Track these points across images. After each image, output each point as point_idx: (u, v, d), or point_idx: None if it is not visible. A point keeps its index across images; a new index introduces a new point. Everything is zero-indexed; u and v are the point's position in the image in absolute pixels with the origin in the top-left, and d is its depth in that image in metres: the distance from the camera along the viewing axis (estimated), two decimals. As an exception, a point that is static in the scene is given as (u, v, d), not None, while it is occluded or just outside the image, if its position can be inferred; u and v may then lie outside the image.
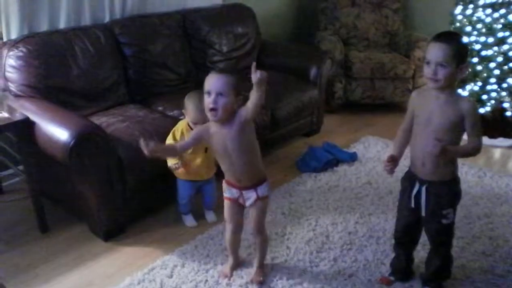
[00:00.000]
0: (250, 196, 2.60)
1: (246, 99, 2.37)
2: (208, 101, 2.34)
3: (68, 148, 2.81)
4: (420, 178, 2.53)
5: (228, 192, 2.65)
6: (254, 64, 2.27)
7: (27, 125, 3.03)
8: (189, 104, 3.05)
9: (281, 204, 3.60)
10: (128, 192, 3.19)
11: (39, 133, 3.00)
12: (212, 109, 2.34)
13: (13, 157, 3.33)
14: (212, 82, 2.35)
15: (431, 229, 2.63)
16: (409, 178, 2.61)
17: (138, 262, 3.02)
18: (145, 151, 2.37)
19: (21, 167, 3.27)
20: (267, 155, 4.35)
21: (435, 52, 2.33)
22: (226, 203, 2.69)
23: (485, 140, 4.67)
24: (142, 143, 2.36)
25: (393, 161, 2.55)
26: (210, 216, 3.42)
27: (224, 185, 2.65)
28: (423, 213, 2.57)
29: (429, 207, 2.54)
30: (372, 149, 4.50)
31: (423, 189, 2.52)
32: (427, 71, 2.35)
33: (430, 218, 2.57)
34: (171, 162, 3.11)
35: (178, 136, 3.10)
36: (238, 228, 2.79)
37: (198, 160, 3.14)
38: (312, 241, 3.19)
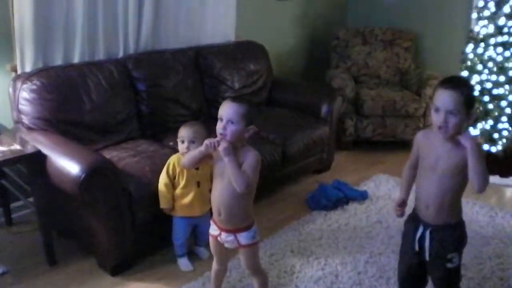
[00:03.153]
0: (229, 240, 2.58)
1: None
2: (219, 126, 2.40)
3: (78, 182, 2.82)
4: (424, 222, 2.47)
5: (211, 228, 2.66)
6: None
7: (39, 158, 3.05)
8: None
9: (290, 242, 3.57)
10: (137, 227, 3.18)
11: (50, 166, 3.02)
12: (221, 134, 2.39)
13: (24, 189, 3.34)
14: (225, 109, 2.41)
15: (436, 274, 2.54)
16: (413, 220, 2.54)
17: (145, 298, 3.01)
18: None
19: (31, 199, 3.27)
20: (277, 192, 4.34)
21: (444, 99, 2.25)
22: (210, 239, 2.70)
23: (497, 179, 4.66)
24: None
25: (404, 205, 2.54)
26: (202, 252, 3.39)
27: (211, 221, 2.66)
28: (426, 257, 2.49)
29: (433, 251, 2.46)
30: (383, 187, 4.48)
31: (427, 233, 2.45)
32: (437, 119, 2.27)
33: (435, 262, 2.49)
34: (163, 204, 3.14)
35: (171, 170, 3.13)
36: (221, 263, 2.80)
37: (191, 195, 3.13)
38: (321, 281, 3.15)
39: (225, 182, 2.45)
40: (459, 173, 2.32)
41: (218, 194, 2.51)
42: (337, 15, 6.53)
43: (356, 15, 6.57)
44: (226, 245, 2.61)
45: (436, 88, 2.34)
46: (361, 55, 5.90)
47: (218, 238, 2.61)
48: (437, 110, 2.27)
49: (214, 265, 2.82)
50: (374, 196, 4.30)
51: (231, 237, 2.56)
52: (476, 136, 2.32)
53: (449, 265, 2.45)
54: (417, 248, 2.50)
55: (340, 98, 4.78)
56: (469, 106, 2.26)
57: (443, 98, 2.26)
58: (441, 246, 2.43)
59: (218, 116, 2.42)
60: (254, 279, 2.77)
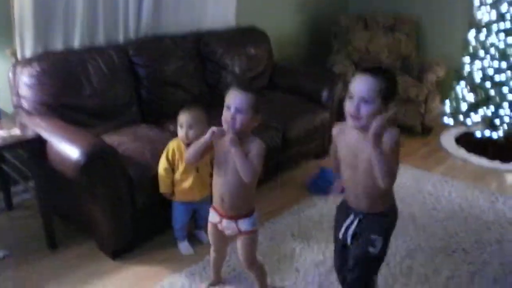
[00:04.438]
0: (229, 227, 2.57)
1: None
2: (226, 114, 2.36)
3: (79, 166, 2.82)
4: (355, 210, 2.34)
5: (210, 216, 2.64)
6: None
7: (39, 142, 3.05)
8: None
9: (291, 226, 3.58)
10: (138, 211, 3.19)
11: (50, 150, 3.02)
12: (230, 123, 2.35)
13: (24, 174, 3.34)
14: (233, 98, 2.36)
15: (352, 258, 2.37)
16: (345, 208, 2.41)
17: (145, 282, 3.01)
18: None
19: (31, 184, 3.27)
20: (278, 176, 4.34)
21: (359, 86, 2.09)
22: (209, 226, 2.69)
23: (498, 164, 4.68)
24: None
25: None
26: (203, 236, 3.38)
27: (211, 209, 2.64)
28: (348, 241, 2.36)
29: (356, 234, 2.33)
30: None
31: (356, 220, 2.32)
32: (349, 106, 2.11)
33: (355, 245, 2.35)
34: (163, 189, 3.14)
35: (170, 155, 3.13)
36: (219, 252, 2.81)
37: (190, 180, 3.12)
38: (321, 265, 3.16)
39: (229, 171, 2.44)
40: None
41: (221, 182, 2.50)
42: (337, 0, 6.50)
43: (358, 0, 6.53)
44: (227, 232, 2.60)
45: (354, 75, 2.17)
46: (362, 41, 5.87)
47: (218, 226, 2.61)
48: (350, 97, 2.11)
49: (212, 253, 2.82)
50: (375, 181, 4.29)
51: (232, 224, 2.55)
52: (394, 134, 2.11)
53: (371, 249, 2.29)
54: (341, 236, 2.39)
55: (341, 84, 4.77)
56: (386, 97, 2.07)
57: (358, 84, 2.10)
58: (366, 228, 2.30)
59: (225, 104, 2.38)
60: (251, 273, 2.76)
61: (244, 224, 2.55)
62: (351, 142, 2.24)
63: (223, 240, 2.72)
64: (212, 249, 2.80)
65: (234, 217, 2.54)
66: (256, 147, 2.39)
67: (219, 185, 2.51)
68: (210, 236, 2.73)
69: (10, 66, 3.48)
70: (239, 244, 2.63)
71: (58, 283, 2.99)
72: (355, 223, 2.33)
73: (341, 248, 2.47)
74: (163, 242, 3.37)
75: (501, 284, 3.03)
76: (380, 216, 2.31)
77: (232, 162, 2.39)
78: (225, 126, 2.38)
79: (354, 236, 2.35)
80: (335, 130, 2.38)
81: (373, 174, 2.09)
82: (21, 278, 3.03)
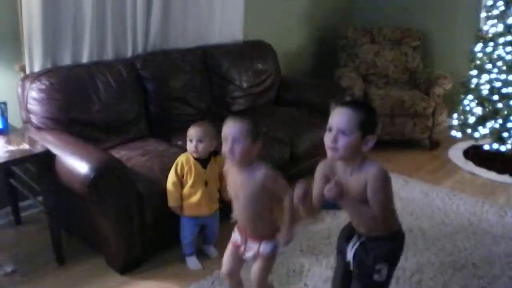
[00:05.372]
0: (252, 249, 2.53)
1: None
2: (224, 146, 2.36)
3: (88, 181, 2.82)
4: (358, 232, 2.31)
5: (234, 236, 2.61)
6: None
7: (48, 157, 3.05)
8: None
9: (299, 240, 3.55)
10: (146, 226, 3.18)
11: (59, 165, 3.02)
12: (229, 154, 2.35)
13: (33, 188, 3.34)
14: (228, 128, 2.36)
15: (358, 285, 2.33)
16: (349, 230, 2.39)
17: (154, 297, 3.01)
18: None
19: (40, 198, 3.28)
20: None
21: (338, 117, 2.09)
22: (228, 247, 2.64)
23: (506, 178, 4.65)
24: None
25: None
26: (211, 251, 3.39)
27: (236, 230, 2.61)
28: (351, 267, 2.32)
29: (360, 260, 2.28)
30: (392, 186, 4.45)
31: (359, 242, 2.29)
32: (327, 138, 2.10)
33: (361, 272, 2.30)
34: (171, 203, 3.13)
35: (179, 169, 3.12)
36: (232, 277, 2.71)
37: (198, 194, 3.12)
38: (330, 279, 3.12)
39: (241, 202, 2.44)
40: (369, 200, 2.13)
41: (239, 212, 2.51)
42: (343, 13, 6.52)
43: (363, 14, 6.55)
44: (247, 254, 2.55)
45: (334, 108, 2.17)
46: (369, 54, 5.89)
47: (241, 248, 2.56)
48: (329, 129, 2.11)
49: (226, 281, 2.76)
50: (383, 195, 4.27)
51: (255, 246, 2.51)
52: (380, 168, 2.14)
53: (376, 276, 2.24)
54: (348, 258, 2.35)
55: (348, 97, 4.77)
56: (365, 130, 2.08)
57: (337, 117, 2.10)
58: (371, 255, 2.26)
59: (222, 136, 2.38)
60: None
61: (264, 247, 2.51)
62: (344, 179, 2.20)
63: (238, 262, 2.65)
64: (224, 274, 2.69)
65: (258, 238, 2.51)
66: (265, 178, 2.39)
67: (238, 213, 2.52)
68: (226, 257, 2.65)
69: (19, 81, 3.50)
70: (254, 266, 2.58)
71: (66, 299, 2.99)
72: (357, 244, 2.30)
73: (345, 273, 2.42)
74: (171, 257, 3.35)
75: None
76: (383, 240, 2.27)
77: (242, 196, 2.42)
78: (225, 158, 2.39)
79: (359, 263, 2.30)
80: (320, 166, 2.33)
81: (364, 208, 2.14)
82: (29, 293, 3.03)
